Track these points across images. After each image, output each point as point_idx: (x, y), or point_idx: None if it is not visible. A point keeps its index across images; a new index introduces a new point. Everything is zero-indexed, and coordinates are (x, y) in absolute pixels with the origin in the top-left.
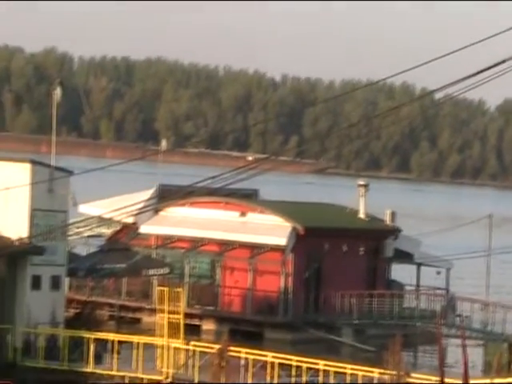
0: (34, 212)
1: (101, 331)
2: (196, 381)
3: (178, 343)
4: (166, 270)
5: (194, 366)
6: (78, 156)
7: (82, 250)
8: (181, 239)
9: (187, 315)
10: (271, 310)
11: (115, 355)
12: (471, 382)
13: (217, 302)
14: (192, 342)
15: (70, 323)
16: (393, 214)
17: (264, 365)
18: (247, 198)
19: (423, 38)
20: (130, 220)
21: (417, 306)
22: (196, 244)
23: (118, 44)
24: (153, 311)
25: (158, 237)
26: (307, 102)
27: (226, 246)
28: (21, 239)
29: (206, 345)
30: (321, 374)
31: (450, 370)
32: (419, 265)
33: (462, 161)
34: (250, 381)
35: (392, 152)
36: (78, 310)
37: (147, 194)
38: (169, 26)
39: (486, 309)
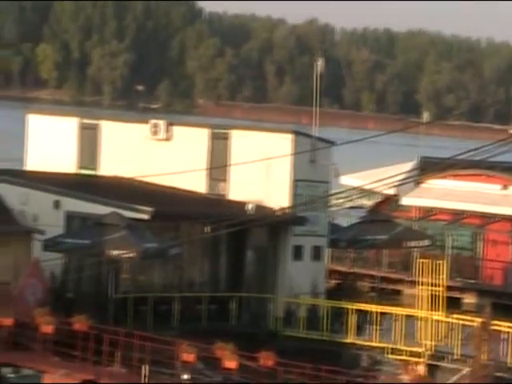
0: (296, 182)
1: (361, 302)
2: (457, 354)
3: (439, 316)
4: (427, 242)
5: (455, 339)
6: (339, 127)
7: (342, 221)
8: (442, 211)
9: (448, 288)
10: None
11: (376, 326)
12: None
13: (478, 275)
14: (453, 315)
15: (331, 294)
16: None
17: None
18: (509, 171)
19: None
20: (391, 191)
21: None
22: (457, 217)
23: (379, 16)
24: (413, 283)
25: (419, 209)
26: None
27: (488, 218)
28: (282, 209)
29: (468, 318)
30: None
31: None
32: None
33: None
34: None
35: None
36: (338, 281)
37: (408, 165)
38: None
39: None
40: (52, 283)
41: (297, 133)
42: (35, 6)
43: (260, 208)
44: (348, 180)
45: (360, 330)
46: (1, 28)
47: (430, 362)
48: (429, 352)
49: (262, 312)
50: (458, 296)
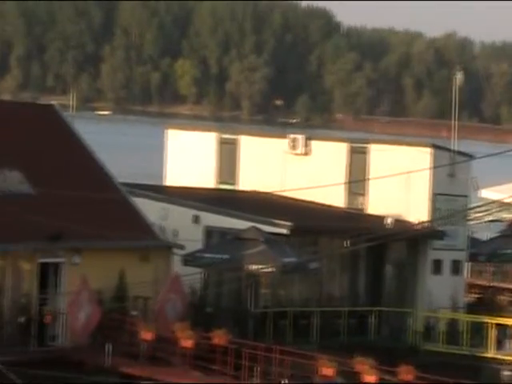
0: (435, 196)
1: (502, 316)
2: None
3: None
4: None
5: None
6: (478, 141)
7: (482, 235)
8: None
9: None
10: None
11: None
12: None
13: None
14: None
15: (471, 308)
16: None
17: None
18: None
19: None
20: None
21: None
22: None
23: None
24: None
25: None
26: None
27: None
28: (421, 223)
29: None
30: None
31: None
32: None
33: None
34: None
35: None
36: (478, 295)
37: None
38: None
39: None
40: (192, 298)
41: (436, 147)
42: (175, 22)
43: (399, 222)
44: (487, 193)
45: (500, 344)
46: (140, 44)
47: None
48: None
49: (402, 326)
50: None
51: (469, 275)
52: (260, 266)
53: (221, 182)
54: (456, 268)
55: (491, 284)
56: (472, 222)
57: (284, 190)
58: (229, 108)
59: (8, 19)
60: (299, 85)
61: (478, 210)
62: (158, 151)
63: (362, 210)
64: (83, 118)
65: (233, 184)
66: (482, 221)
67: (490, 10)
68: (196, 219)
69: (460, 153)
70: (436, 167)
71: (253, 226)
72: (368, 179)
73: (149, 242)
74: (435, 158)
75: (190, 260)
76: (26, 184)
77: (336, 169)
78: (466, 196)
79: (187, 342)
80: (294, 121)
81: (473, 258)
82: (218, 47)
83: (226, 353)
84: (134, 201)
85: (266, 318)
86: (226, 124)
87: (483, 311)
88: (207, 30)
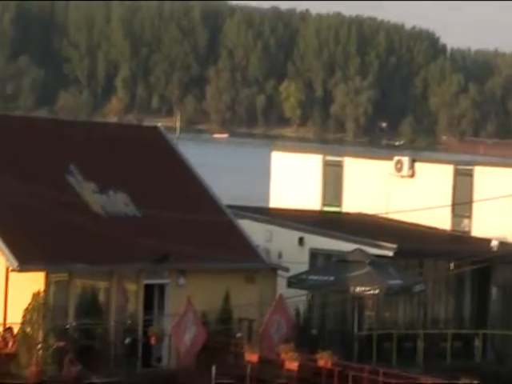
0: None
1: None
2: None
3: None
4: None
5: None
6: None
7: None
8: None
9: None
10: None
11: None
12: None
13: None
14: None
15: None
16: None
17: None
18: None
19: None
20: None
21: None
22: None
23: None
24: None
25: None
26: None
27: None
28: None
29: None
30: None
31: None
32: None
33: None
34: None
35: None
36: None
37: None
38: None
39: None
40: (296, 320)
41: None
42: (279, 43)
43: (504, 245)
44: None
45: None
46: (245, 65)
47: None
48: None
49: (507, 350)
50: None
51: None
52: (365, 288)
53: (325, 204)
54: None
55: None
56: None
57: (389, 212)
58: (333, 130)
59: (114, 41)
60: (404, 107)
61: None
62: (263, 173)
63: (467, 232)
64: (188, 139)
65: (338, 206)
66: None
67: None
68: (301, 241)
69: None
70: None
71: (358, 248)
72: (473, 201)
73: (254, 264)
74: None
75: (294, 282)
76: (132, 206)
77: (441, 191)
78: None
79: (292, 364)
80: (399, 143)
81: None
82: (323, 69)
83: (330, 375)
84: (238, 223)
85: (370, 341)
86: (331, 146)
87: None
88: (312, 51)
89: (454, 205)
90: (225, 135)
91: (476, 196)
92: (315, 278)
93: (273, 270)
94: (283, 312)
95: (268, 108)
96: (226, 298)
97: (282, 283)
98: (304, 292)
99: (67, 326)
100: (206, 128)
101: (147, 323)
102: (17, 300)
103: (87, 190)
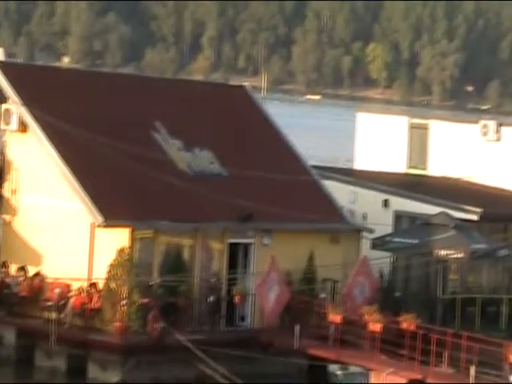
0: None
1: None
2: None
3: None
4: None
5: None
6: None
7: None
8: None
9: None
10: None
11: None
12: None
13: None
14: None
15: None
16: None
17: None
18: None
19: None
20: None
21: None
22: None
23: None
24: None
25: None
26: None
27: None
28: None
29: None
30: None
31: None
32: None
33: None
34: None
35: None
36: None
37: None
38: None
39: None
40: (380, 282)
41: None
42: (366, 5)
43: None
44: None
45: None
46: (332, 27)
47: None
48: None
49: None
50: None
51: None
52: (449, 252)
53: (411, 167)
54: None
55: None
56: None
57: (474, 176)
58: (419, 93)
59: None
60: (490, 71)
61: None
62: (348, 134)
63: None
64: (274, 99)
65: (423, 169)
66: None
67: None
68: (385, 203)
69: None
70: None
71: (442, 212)
72: None
73: (339, 225)
74: None
75: (378, 244)
76: (217, 164)
77: None
78: None
79: (375, 326)
80: (486, 107)
81: None
82: (410, 32)
83: (413, 338)
84: (323, 183)
85: (454, 304)
86: (417, 109)
87: None
88: (399, 14)
89: None
90: (317, 96)
91: None
92: (399, 240)
93: (357, 231)
94: (367, 274)
95: (354, 70)
96: (310, 259)
97: (365, 245)
98: (388, 254)
99: (151, 283)
100: (291, 88)
101: (231, 282)
102: (102, 256)
103: (173, 148)
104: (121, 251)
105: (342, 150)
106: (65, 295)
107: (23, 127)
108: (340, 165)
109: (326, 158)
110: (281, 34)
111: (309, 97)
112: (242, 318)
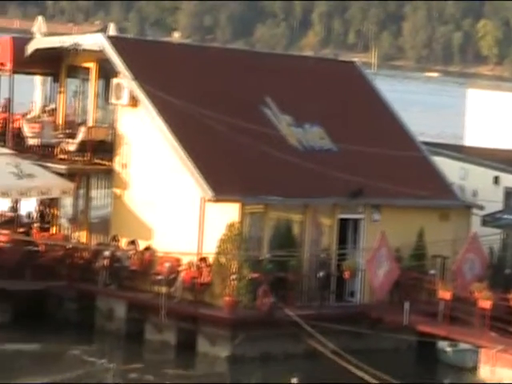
0: None
1: None
2: None
3: None
4: None
5: None
6: None
7: None
8: None
9: None
10: None
11: None
12: None
13: None
14: None
15: None
16: None
17: None
18: None
19: None
20: None
21: None
22: None
23: None
24: None
25: None
26: None
27: None
28: None
29: None
30: None
31: None
32: None
33: None
34: None
35: None
36: None
37: None
38: None
39: None
40: (490, 259)
41: None
42: None
43: None
44: None
45: None
46: (441, 4)
47: None
48: None
49: None
50: None
51: None
52: None
53: None
54: None
55: None
56: None
57: None
58: None
59: None
60: None
61: None
62: (458, 111)
63: None
64: (385, 75)
65: None
66: None
67: None
68: (496, 180)
69: None
70: None
71: None
72: None
73: (449, 202)
74: None
75: (489, 221)
76: (327, 139)
77: None
78: None
79: (485, 303)
80: None
81: None
82: None
83: None
84: (433, 160)
85: None
86: None
87: None
88: None
89: None
90: (436, 74)
91: None
92: (510, 217)
93: (467, 207)
94: (477, 250)
95: (465, 46)
96: (420, 235)
97: (476, 222)
98: (498, 231)
99: (261, 258)
100: (401, 64)
101: (341, 257)
102: (212, 230)
103: (283, 123)
104: (231, 226)
105: (451, 127)
106: (175, 269)
107: (134, 102)
108: (450, 141)
109: (436, 134)
110: (391, 9)
111: (428, 74)
112: (352, 294)
